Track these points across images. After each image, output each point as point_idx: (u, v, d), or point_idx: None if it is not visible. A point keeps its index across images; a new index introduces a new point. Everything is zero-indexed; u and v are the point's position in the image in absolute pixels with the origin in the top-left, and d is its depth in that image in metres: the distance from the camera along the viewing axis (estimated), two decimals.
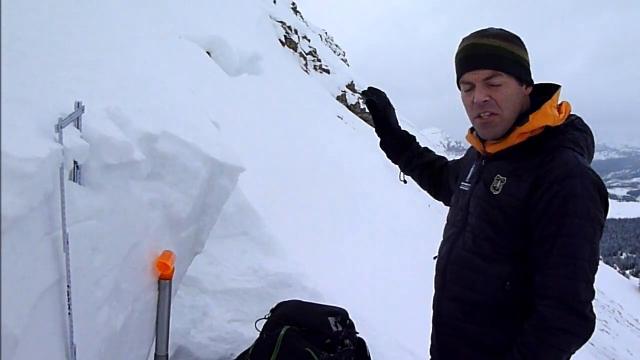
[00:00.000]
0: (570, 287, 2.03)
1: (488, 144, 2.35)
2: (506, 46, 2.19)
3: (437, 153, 3.06)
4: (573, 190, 2.05)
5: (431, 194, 3.04)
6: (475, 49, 2.23)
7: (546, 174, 2.11)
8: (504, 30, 2.26)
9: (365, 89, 2.99)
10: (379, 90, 2.98)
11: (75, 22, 2.70)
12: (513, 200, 2.18)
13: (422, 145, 3.04)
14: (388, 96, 2.99)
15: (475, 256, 2.29)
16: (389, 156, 3.06)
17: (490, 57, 2.19)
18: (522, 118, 2.23)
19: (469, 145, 2.60)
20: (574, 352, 2.12)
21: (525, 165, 2.21)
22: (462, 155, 2.84)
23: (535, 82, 2.34)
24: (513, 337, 2.17)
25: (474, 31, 2.30)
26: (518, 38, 2.25)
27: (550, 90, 2.31)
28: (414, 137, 3.03)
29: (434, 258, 2.62)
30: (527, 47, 2.30)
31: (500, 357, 2.20)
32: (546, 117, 2.20)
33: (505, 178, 2.25)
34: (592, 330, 2.07)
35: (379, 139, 3.04)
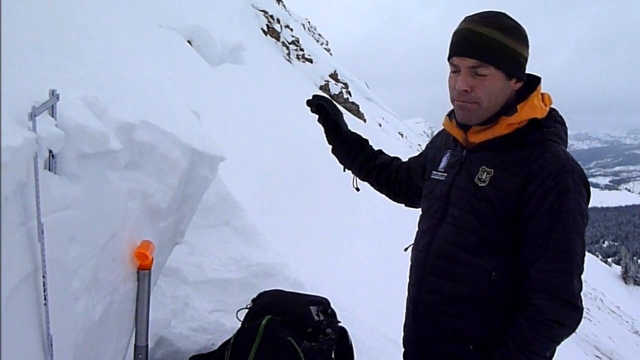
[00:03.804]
0: (566, 281, 2.07)
1: (471, 134, 2.33)
2: (501, 38, 2.15)
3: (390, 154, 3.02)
4: (566, 185, 2.08)
5: (390, 196, 2.98)
6: (469, 36, 2.19)
7: (539, 169, 2.12)
8: (508, 19, 2.21)
9: (310, 97, 2.89)
10: (325, 97, 2.90)
11: (51, 10, 2.66)
12: (502, 194, 2.18)
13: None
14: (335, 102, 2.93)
15: (458, 248, 2.28)
16: (342, 162, 2.99)
17: (480, 47, 2.16)
18: (509, 108, 2.21)
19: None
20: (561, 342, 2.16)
21: (513, 158, 2.20)
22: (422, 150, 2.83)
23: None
24: (496, 328, 2.18)
25: (477, 13, 2.25)
26: (519, 30, 2.21)
27: (531, 80, 2.30)
28: (366, 140, 2.97)
29: (405, 250, 2.61)
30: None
31: (483, 349, 2.22)
32: (534, 109, 2.20)
33: (492, 170, 2.23)
34: (581, 320, 2.13)
35: (330, 147, 2.97)
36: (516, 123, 2.21)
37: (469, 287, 2.25)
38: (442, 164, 2.47)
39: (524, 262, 2.16)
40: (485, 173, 2.24)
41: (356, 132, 2.98)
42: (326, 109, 2.86)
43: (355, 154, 2.92)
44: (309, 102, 2.87)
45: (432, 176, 2.51)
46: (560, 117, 2.33)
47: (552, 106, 2.33)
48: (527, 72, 2.32)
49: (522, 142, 2.21)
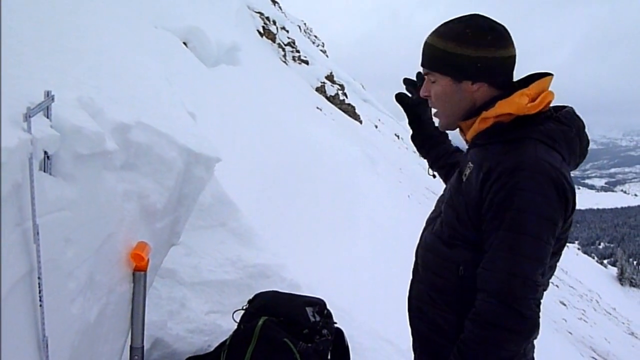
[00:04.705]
0: (504, 282, 1.99)
1: (465, 131, 2.35)
2: (440, 45, 2.20)
3: None
4: (520, 183, 1.99)
5: None
6: (423, 47, 2.29)
7: (497, 165, 2.06)
8: (457, 24, 2.21)
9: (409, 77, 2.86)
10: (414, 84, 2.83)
11: (48, 11, 2.65)
12: (471, 189, 2.16)
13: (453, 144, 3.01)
14: None
15: (438, 240, 2.32)
16: (418, 150, 3.02)
17: (426, 56, 2.27)
18: (488, 105, 2.20)
19: (449, 135, 2.64)
20: (515, 350, 2.07)
21: (488, 153, 2.17)
22: None
23: (529, 73, 2.29)
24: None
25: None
26: (462, 34, 2.17)
27: (539, 78, 2.25)
28: (445, 135, 2.96)
29: None
30: (485, 43, 2.15)
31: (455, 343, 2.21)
32: (511, 104, 2.14)
33: (472, 165, 2.22)
34: (532, 328, 2.03)
35: (410, 132, 2.99)
36: (491, 117, 2.18)
37: (443, 279, 2.28)
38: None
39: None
40: (468, 169, 2.24)
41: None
42: (405, 98, 2.87)
43: (429, 148, 2.95)
44: (398, 96, 2.91)
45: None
46: (568, 117, 2.23)
47: (566, 105, 2.28)
48: (542, 71, 2.29)
49: (502, 138, 2.17)
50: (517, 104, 2.14)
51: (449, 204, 2.32)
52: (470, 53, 2.16)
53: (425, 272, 2.41)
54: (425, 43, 2.27)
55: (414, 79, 2.76)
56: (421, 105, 2.84)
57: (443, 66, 2.22)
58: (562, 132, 2.17)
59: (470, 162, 2.25)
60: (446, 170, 2.89)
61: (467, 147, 2.42)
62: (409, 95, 2.85)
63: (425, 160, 3.03)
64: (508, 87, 2.24)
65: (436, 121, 2.44)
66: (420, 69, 2.37)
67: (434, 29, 2.28)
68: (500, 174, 2.04)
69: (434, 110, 2.39)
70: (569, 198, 2.06)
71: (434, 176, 3.03)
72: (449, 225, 2.28)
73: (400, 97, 2.87)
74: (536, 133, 2.13)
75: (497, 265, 2.02)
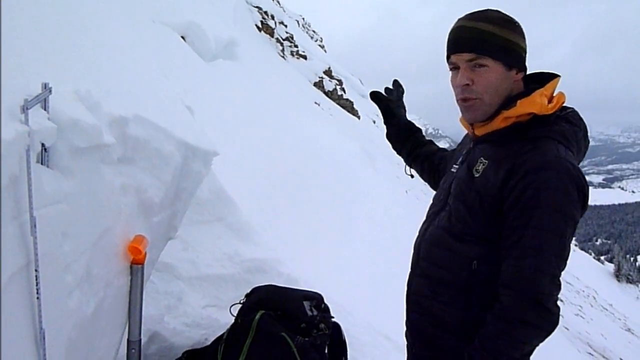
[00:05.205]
0: (533, 279, 2.02)
1: (476, 127, 2.35)
2: (494, 30, 2.17)
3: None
4: (546, 182, 2.03)
5: (431, 185, 3.00)
6: (463, 32, 2.23)
7: (523, 163, 2.09)
8: (499, 13, 2.24)
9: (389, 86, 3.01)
10: (398, 87, 3.00)
11: (47, 6, 2.64)
12: (489, 185, 2.17)
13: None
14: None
15: (446, 234, 2.32)
16: (393, 147, 3.07)
17: (475, 40, 2.19)
18: (510, 102, 2.21)
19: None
20: (536, 345, 2.12)
21: (505, 150, 2.19)
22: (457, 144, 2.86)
23: (535, 71, 2.34)
24: (474, 317, 2.19)
25: (468, 12, 2.28)
26: (512, 22, 2.22)
27: (546, 78, 2.30)
28: (418, 129, 3.02)
29: None
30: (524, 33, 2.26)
31: (459, 337, 2.23)
32: (533, 104, 2.18)
33: (487, 161, 2.24)
34: (556, 323, 2.06)
35: (385, 131, 3.05)
36: (513, 117, 2.21)
37: (451, 273, 2.28)
38: (460, 159, 2.50)
39: (501, 257, 2.13)
40: (481, 164, 2.25)
41: (413, 122, 3.04)
42: (377, 97, 2.96)
43: (403, 141, 3.00)
44: (377, 98, 3.00)
45: (450, 169, 2.54)
46: (576, 118, 2.28)
47: (570, 106, 2.32)
48: (546, 70, 2.34)
49: (521, 136, 2.19)
50: (539, 104, 2.18)
51: (458, 199, 2.31)
52: (518, 41, 2.22)
53: (429, 266, 2.40)
54: (472, 28, 2.21)
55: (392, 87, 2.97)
56: (395, 104, 2.96)
57: (496, 51, 2.19)
58: (574, 132, 2.23)
59: (482, 158, 2.27)
60: (420, 161, 2.97)
61: (472, 141, 2.43)
62: (385, 93, 2.96)
63: (401, 158, 3.08)
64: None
65: (463, 112, 2.36)
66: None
67: (471, 14, 2.26)
68: (526, 172, 2.06)
69: (467, 101, 2.28)
70: (586, 196, 2.12)
71: (412, 176, 3.06)
72: (459, 219, 2.28)
73: (375, 95, 2.95)
74: (553, 133, 2.17)
75: (525, 262, 2.04)
